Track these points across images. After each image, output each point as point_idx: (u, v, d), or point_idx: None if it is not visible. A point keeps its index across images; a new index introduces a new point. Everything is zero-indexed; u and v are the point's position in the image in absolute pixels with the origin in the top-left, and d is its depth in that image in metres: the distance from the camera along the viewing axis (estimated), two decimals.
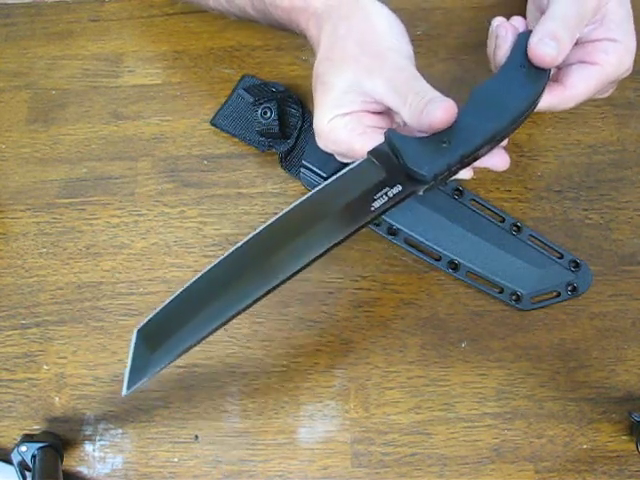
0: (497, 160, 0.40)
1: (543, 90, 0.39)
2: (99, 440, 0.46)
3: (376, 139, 0.39)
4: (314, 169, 0.50)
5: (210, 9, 0.54)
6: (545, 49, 0.38)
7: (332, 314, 0.48)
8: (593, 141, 0.52)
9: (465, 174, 0.40)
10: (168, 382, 0.47)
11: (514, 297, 0.48)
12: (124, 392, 0.37)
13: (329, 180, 0.38)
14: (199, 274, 0.37)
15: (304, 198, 0.38)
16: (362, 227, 0.37)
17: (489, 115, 0.37)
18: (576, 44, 0.40)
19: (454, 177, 0.39)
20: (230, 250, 0.37)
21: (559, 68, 0.42)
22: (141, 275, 0.50)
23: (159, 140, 0.53)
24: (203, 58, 0.56)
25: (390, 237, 0.49)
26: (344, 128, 0.40)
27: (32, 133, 0.54)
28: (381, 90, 0.39)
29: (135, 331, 0.37)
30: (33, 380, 0.47)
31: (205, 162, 0.53)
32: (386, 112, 0.42)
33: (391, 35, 0.41)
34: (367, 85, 0.40)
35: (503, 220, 0.49)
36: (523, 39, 0.39)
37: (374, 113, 0.41)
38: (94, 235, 0.51)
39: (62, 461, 0.45)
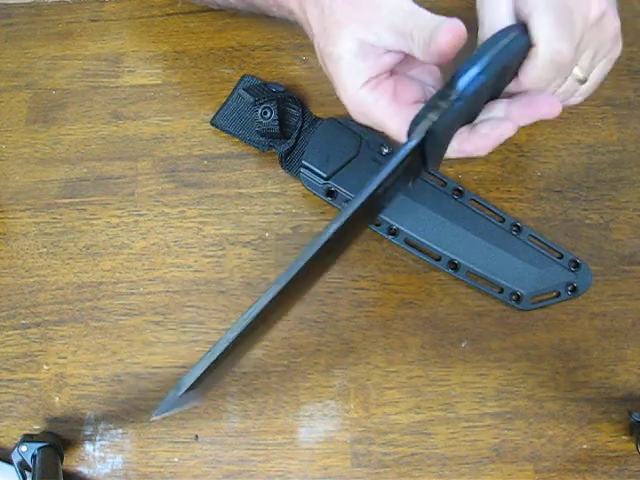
0: (546, 108, 0.37)
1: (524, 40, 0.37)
2: (99, 440, 0.46)
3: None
4: (314, 169, 0.50)
5: (195, 1, 0.54)
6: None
7: (332, 314, 0.48)
8: (593, 141, 0.52)
9: (507, 129, 0.37)
10: (168, 382, 0.47)
11: (514, 297, 0.48)
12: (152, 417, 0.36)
13: None
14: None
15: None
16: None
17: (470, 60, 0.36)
18: None
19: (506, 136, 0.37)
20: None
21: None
22: (141, 275, 0.50)
23: (159, 140, 0.53)
24: (203, 58, 0.56)
25: (390, 237, 0.49)
26: (374, 104, 0.38)
27: (32, 133, 0.54)
28: (386, 38, 0.37)
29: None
30: (33, 380, 0.47)
31: (205, 162, 0.53)
32: (415, 76, 0.40)
33: None
34: (371, 39, 0.38)
35: (503, 220, 0.49)
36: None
37: (404, 80, 0.39)
38: (94, 235, 0.51)
39: (62, 461, 0.45)
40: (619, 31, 0.42)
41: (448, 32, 0.35)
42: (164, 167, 0.53)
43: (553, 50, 0.36)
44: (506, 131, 0.37)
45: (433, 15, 0.36)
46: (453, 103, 0.35)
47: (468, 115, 0.37)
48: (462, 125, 0.38)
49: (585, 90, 0.43)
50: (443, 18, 0.36)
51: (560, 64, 0.37)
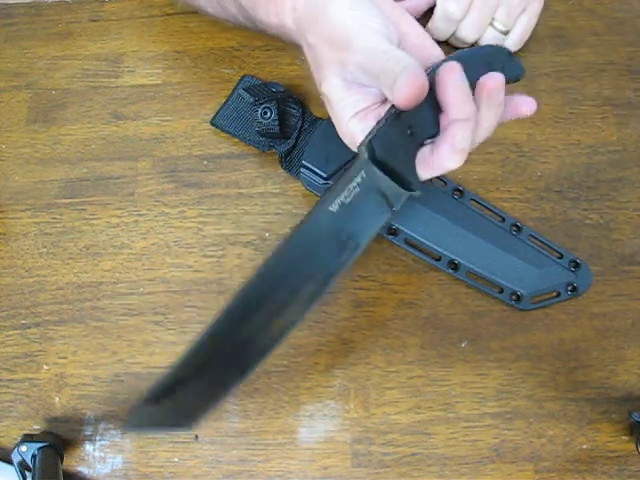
0: (524, 107, 0.38)
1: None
2: (99, 440, 0.46)
3: None
4: (314, 169, 0.50)
5: (208, 15, 0.54)
6: None
7: (332, 314, 0.48)
8: (593, 141, 0.52)
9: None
10: None
11: (514, 297, 0.48)
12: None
13: None
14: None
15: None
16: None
17: None
18: None
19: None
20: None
21: None
22: (141, 275, 0.50)
23: (159, 140, 0.53)
24: (203, 58, 0.56)
25: (390, 237, 0.49)
26: (363, 133, 0.39)
27: (32, 133, 0.54)
28: (360, 77, 0.38)
29: None
30: (33, 380, 0.47)
31: (205, 162, 0.53)
32: None
33: (352, 17, 0.38)
34: (348, 76, 0.39)
35: (503, 220, 0.49)
36: None
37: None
38: (94, 235, 0.51)
39: (62, 461, 0.45)
40: None
41: (407, 86, 0.34)
42: (164, 167, 0.53)
43: (444, 8, 0.50)
44: (456, 130, 0.36)
45: (402, 57, 0.36)
46: (390, 113, 0.36)
47: (415, 123, 0.37)
48: (419, 138, 0.38)
49: (513, 42, 0.52)
50: (407, 63, 0.35)
51: (450, 19, 0.50)
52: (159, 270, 0.50)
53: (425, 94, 0.35)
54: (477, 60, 0.39)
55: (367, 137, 0.37)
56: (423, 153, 0.38)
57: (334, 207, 0.37)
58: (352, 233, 0.37)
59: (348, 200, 0.37)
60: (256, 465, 0.45)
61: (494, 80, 0.36)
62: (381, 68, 0.36)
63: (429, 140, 0.38)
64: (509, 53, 0.40)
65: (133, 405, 0.36)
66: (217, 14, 0.53)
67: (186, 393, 0.35)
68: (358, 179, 0.37)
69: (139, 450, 0.46)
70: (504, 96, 0.37)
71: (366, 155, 0.37)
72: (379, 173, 0.37)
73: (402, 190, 0.37)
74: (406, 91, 0.34)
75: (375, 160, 0.37)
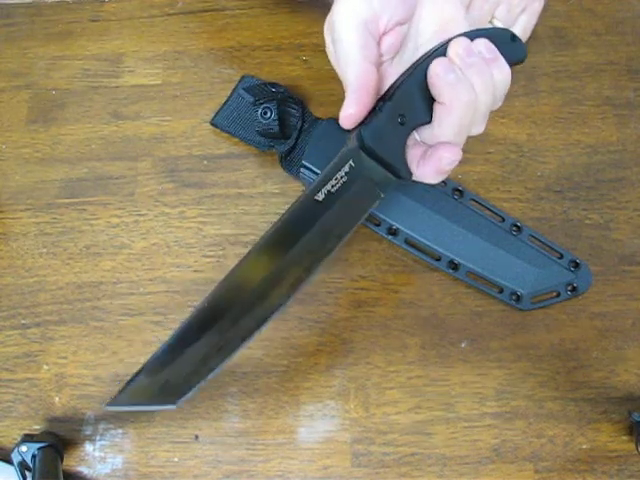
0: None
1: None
2: (99, 440, 0.46)
3: None
4: (314, 169, 0.50)
5: None
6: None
7: (332, 314, 0.48)
8: (593, 141, 0.52)
9: None
10: None
11: (514, 297, 0.48)
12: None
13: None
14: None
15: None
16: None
17: None
18: None
19: None
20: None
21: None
22: (141, 275, 0.50)
23: (159, 140, 0.53)
24: (203, 58, 0.56)
25: (390, 237, 0.49)
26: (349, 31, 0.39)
27: (32, 133, 0.54)
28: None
29: None
30: (33, 380, 0.47)
31: (205, 162, 0.53)
32: None
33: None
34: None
35: (503, 220, 0.49)
36: None
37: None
38: (94, 235, 0.51)
39: (62, 461, 0.45)
40: None
41: (344, 114, 0.37)
42: (164, 167, 0.53)
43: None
44: (444, 154, 0.37)
45: (355, 74, 0.37)
46: (383, 104, 0.37)
47: (407, 111, 0.37)
48: (410, 126, 0.38)
49: None
50: (353, 86, 0.37)
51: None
52: (159, 270, 0.50)
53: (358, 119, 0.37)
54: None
55: (357, 126, 0.37)
56: (411, 159, 0.38)
57: (320, 196, 0.37)
58: (338, 221, 0.37)
59: (335, 189, 0.37)
60: (256, 465, 0.45)
61: (460, 43, 0.37)
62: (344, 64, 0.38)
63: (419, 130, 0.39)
64: (513, 35, 0.40)
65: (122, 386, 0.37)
66: None
67: (179, 365, 0.36)
68: (346, 168, 0.38)
69: (139, 450, 0.46)
70: (496, 59, 0.37)
71: (356, 144, 0.37)
72: (369, 161, 0.37)
73: (392, 177, 0.38)
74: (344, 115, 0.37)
75: (364, 148, 0.37)
